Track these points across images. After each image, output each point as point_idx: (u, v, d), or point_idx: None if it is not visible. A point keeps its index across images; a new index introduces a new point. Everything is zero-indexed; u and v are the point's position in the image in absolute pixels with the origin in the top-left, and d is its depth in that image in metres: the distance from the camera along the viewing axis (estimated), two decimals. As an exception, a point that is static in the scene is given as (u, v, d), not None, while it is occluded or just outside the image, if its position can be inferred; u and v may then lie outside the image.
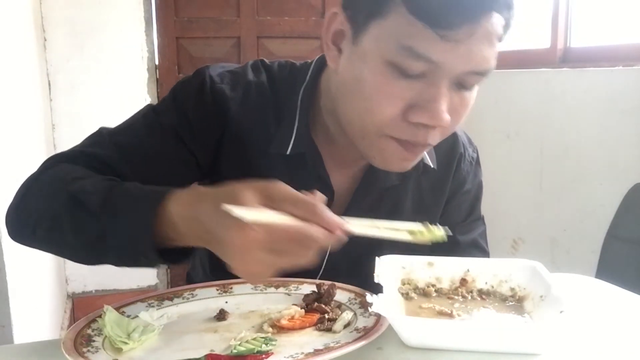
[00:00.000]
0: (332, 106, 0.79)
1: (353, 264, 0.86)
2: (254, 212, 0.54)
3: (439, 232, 0.63)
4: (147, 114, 0.83)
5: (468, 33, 0.63)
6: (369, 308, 0.65)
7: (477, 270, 0.77)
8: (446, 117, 0.68)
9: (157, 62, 2.82)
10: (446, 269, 0.77)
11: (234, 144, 0.83)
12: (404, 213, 0.90)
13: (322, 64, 0.83)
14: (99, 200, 0.65)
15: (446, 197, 0.92)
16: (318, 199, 0.58)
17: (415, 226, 0.63)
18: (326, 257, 0.86)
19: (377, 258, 0.75)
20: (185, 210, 0.59)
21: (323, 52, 0.78)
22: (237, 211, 0.53)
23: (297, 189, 0.80)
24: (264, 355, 0.60)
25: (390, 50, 0.66)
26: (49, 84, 2.64)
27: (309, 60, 0.86)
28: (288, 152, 0.81)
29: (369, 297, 0.65)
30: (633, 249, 1.29)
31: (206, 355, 0.60)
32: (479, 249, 0.94)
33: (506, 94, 2.07)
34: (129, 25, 2.71)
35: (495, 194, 2.15)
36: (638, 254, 1.28)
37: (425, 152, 0.85)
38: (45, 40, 2.61)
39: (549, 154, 1.89)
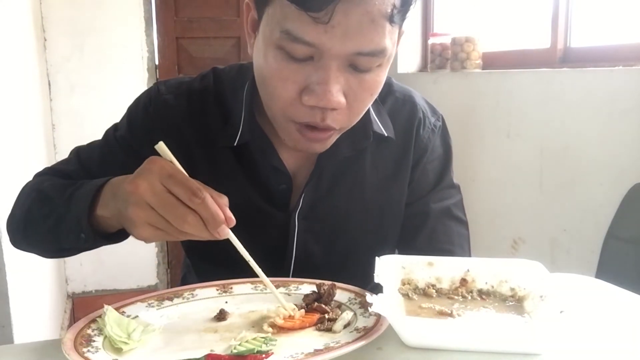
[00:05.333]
0: None
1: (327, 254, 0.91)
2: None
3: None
4: (108, 130, 0.94)
5: (342, 14, 0.64)
6: (369, 308, 0.65)
7: (477, 270, 0.77)
8: (336, 98, 0.69)
9: (157, 62, 2.82)
10: (446, 269, 0.77)
11: (181, 149, 0.87)
12: (367, 186, 0.90)
13: None
14: (58, 192, 0.79)
15: (410, 166, 0.92)
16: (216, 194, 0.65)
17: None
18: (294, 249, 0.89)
19: (377, 258, 0.75)
20: (109, 188, 0.72)
21: None
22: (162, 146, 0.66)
23: (256, 176, 0.88)
24: (264, 355, 0.60)
25: (275, 35, 0.68)
26: (49, 84, 2.64)
27: None
28: (235, 144, 0.85)
29: (369, 297, 0.65)
30: (633, 249, 1.29)
31: (206, 355, 0.60)
32: (453, 217, 0.94)
33: (506, 94, 2.07)
34: (129, 25, 2.71)
35: (495, 194, 2.15)
36: (638, 254, 1.28)
37: (378, 121, 0.88)
38: (45, 40, 2.61)
39: (549, 154, 1.89)
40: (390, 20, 0.67)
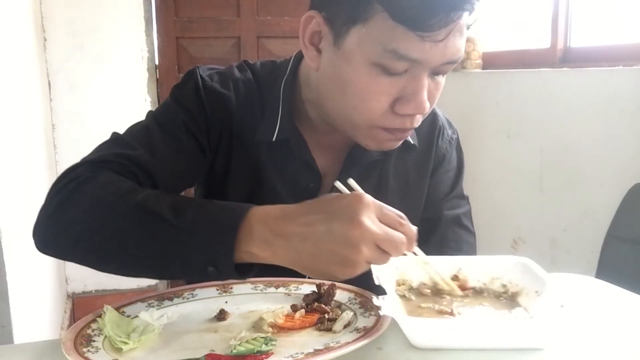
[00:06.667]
0: (313, 98, 0.85)
1: None
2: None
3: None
4: (156, 117, 0.85)
5: (446, 32, 0.68)
6: (379, 311, 0.65)
7: (469, 268, 0.78)
8: (427, 105, 0.74)
9: (157, 62, 2.82)
10: (439, 268, 0.77)
11: (228, 137, 0.88)
12: (390, 192, 0.92)
13: (299, 59, 0.89)
14: (173, 211, 0.65)
15: (430, 174, 0.95)
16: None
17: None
18: None
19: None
20: (282, 227, 0.62)
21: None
22: (352, 183, 0.67)
23: (286, 174, 0.88)
24: (264, 355, 0.60)
25: (374, 53, 0.70)
26: (49, 84, 2.63)
27: (288, 57, 0.91)
28: (274, 139, 0.86)
29: (376, 300, 0.65)
30: (633, 249, 1.29)
31: (206, 355, 0.60)
32: (462, 226, 0.96)
33: (506, 94, 2.07)
34: (129, 25, 2.71)
35: (495, 194, 2.15)
36: (638, 254, 1.28)
37: None
38: (45, 40, 2.61)
39: (549, 154, 1.89)
40: (468, 27, 0.72)
